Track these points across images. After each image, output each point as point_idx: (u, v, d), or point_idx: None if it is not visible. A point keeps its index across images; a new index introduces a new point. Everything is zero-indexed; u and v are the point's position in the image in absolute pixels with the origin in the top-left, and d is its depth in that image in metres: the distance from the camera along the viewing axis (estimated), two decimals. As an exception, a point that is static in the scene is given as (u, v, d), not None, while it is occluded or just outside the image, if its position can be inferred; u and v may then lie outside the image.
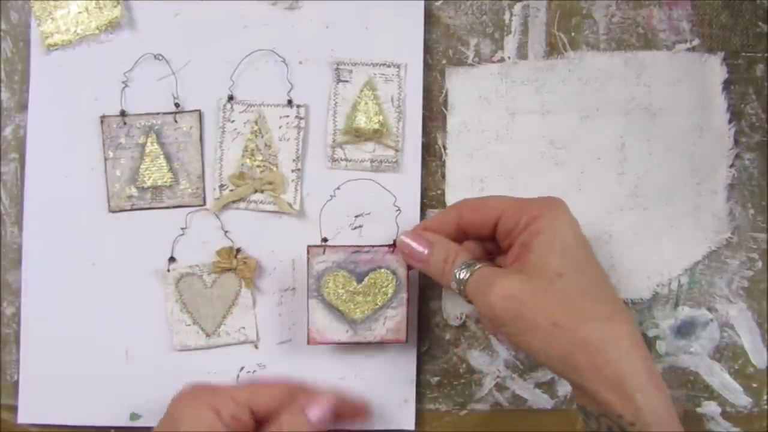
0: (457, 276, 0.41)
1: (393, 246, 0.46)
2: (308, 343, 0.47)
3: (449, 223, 0.44)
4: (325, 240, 0.48)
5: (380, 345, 0.49)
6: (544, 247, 0.39)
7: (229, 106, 0.49)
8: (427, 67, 0.50)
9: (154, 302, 0.49)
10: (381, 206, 0.48)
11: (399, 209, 0.48)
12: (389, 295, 0.46)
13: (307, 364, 0.49)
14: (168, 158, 0.49)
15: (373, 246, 0.46)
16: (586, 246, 0.40)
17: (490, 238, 0.43)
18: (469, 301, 0.41)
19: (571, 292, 0.38)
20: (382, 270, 0.46)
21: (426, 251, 0.43)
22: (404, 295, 0.46)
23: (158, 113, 0.49)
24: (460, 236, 0.44)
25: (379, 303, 0.46)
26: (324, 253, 0.46)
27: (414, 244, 0.44)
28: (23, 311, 0.49)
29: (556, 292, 0.38)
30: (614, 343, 0.37)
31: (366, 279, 0.46)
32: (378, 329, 0.47)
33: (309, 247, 0.46)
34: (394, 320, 0.47)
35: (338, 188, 0.48)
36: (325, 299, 0.46)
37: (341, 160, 0.49)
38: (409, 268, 0.46)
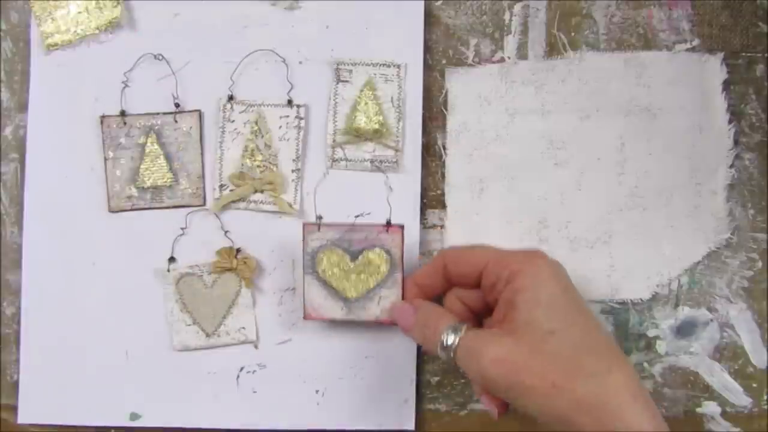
0: (444, 342, 0.40)
1: (387, 226, 0.46)
2: (304, 318, 0.46)
3: (437, 272, 0.44)
4: (320, 218, 0.47)
5: (380, 344, 0.49)
6: (530, 304, 0.38)
7: (229, 106, 0.49)
8: (427, 67, 0.50)
9: (154, 302, 0.49)
10: (381, 206, 0.48)
11: (399, 209, 0.49)
12: (383, 275, 0.46)
13: (307, 365, 0.49)
14: (168, 158, 0.49)
15: (367, 224, 0.46)
16: (574, 296, 0.39)
17: (477, 288, 0.42)
18: (457, 368, 0.40)
19: (565, 349, 0.37)
20: (376, 249, 0.46)
21: (411, 318, 0.43)
22: (399, 275, 0.46)
23: (158, 113, 0.49)
24: (448, 285, 0.44)
25: (372, 283, 0.46)
26: (319, 230, 0.46)
27: (401, 311, 0.43)
28: (23, 311, 0.49)
29: (549, 352, 0.36)
30: (615, 397, 0.35)
31: (360, 257, 0.46)
32: (372, 309, 0.46)
33: (305, 224, 0.46)
34: (388, 300, 0.46)
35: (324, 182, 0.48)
36: (319, 276, 0.46)
37: (341, 160, 0.49)
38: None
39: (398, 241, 0.46)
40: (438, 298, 0.45)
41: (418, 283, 0.45)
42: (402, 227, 0.46)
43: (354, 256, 0.46)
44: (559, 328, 0.37)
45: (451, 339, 0.39)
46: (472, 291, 0.43)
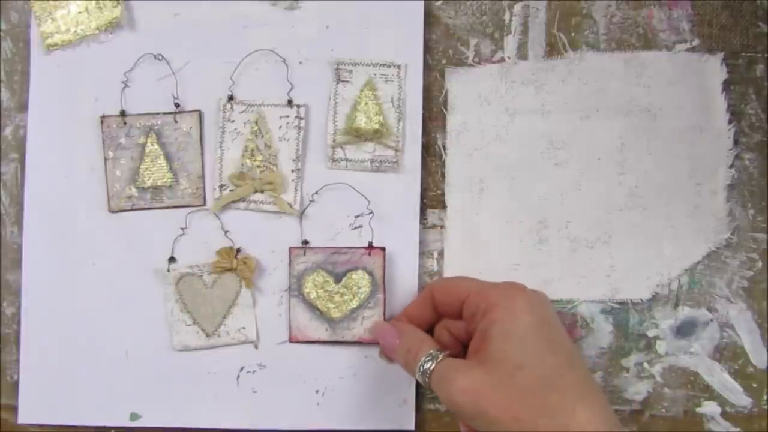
0: (422, 368, 0.40)
1: (369, 248, 0.47)
2: (290, 340, 0.48)
3: (426, 303, 0.45)
4: (305, 242, 0.48)
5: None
6: (502, 337, 0.38)
7: (229, 106, 0.49)
8: (427, 67, 0.50)
9: (154, 302, 0.49)
10: (381, 206, 0.48)
11: (398, 209, 0.49)
12: (365, 296, 0.47)
13: (307, 364, 0.49)
14: (168, 158, 0.49)
15: (350, 247, 0.48)
16: (549, 330, 0.39)
17: (462, 318, 0.43)
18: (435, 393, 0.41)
19: (531, 384, 0.37)
20: (359, 270, 0.47)
21: (395, 341, 0.44)
22: (380, 296, 0.47)
23: (158, 113, 0.49)
24: (438, 317, 0.45)
25: (355, 303, 0.47)
26: (305, 254, 0.48)
27: (385, 332, 0.44)
28: (23, 311, 0.49)
29: (516, 386, 0.37)
30: None
31: (344, 279, 0.47)
32: (356, 329, 0.48)
33: (291, 248, 0.48)
34: (371, 320, 0.47)
35: (317, 192, 0.48)
36: (305, 298, 0.48)
37: (341, 160, 0.49)
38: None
39: (380, 263, 0.47)
40: (429, 330, 0.45)
41: (408, 314, 0.46)
42: (383, 249, 0.47)
43: (338, 278, 0.48)
44: (529, 363, 0.37)
45: (428, 365, 0.40)
46: (459, 322, 0.43)
